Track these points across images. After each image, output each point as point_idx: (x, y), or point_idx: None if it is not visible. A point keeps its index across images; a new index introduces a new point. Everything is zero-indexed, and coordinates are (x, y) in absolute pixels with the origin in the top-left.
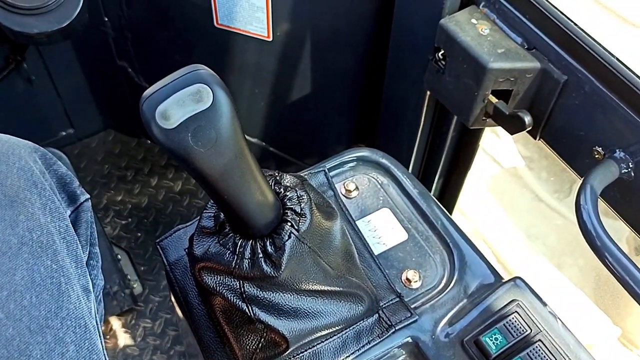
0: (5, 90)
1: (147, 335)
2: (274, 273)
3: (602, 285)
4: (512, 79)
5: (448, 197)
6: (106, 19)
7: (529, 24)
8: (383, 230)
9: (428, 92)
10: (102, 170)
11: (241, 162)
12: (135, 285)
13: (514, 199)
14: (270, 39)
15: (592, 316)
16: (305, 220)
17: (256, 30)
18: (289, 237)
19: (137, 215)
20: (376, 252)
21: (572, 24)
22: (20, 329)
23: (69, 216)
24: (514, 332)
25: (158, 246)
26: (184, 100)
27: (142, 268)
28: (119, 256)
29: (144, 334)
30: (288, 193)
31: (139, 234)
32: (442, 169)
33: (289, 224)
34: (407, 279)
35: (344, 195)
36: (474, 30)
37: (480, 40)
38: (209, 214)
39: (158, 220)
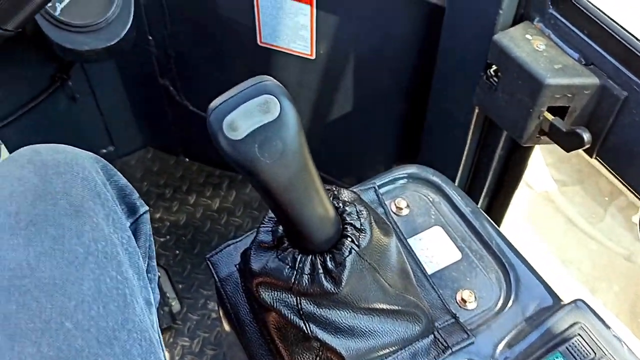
0: (50, 107)
1: (185, 354)
2: (333, 289)
3: (639, 311)
4: (569, 96)
5: (494, 215)
6: (150, 38)
7: (586, 39)
8: (435, 249)
9: (477, 108)
10: (141, 188)
11: (305, 174)
12: (173, 303)
13: (546, 223)
14: (313, 57)
15: (629, 343)
16: (365, 235)
17: (299, 48)
18: (350, 252)
19: (175, 233)
20: (429, 271)
21: (632, 38)
22: (89, 340)
23: (129, 227)
24: (578, 355)
25: (208, 261)
26: (251, 112)
27: (181, 286)
28: (158, 274)
29: (182, 353)
30: (347, 208)
31: (177, 252)
32: (489, 187)
33: (349, 239)
34: (462, 299)
35: (394, 213)
36: (529, 46)
37: (536, 56)
38: (267, 228)
39: (196, 238)
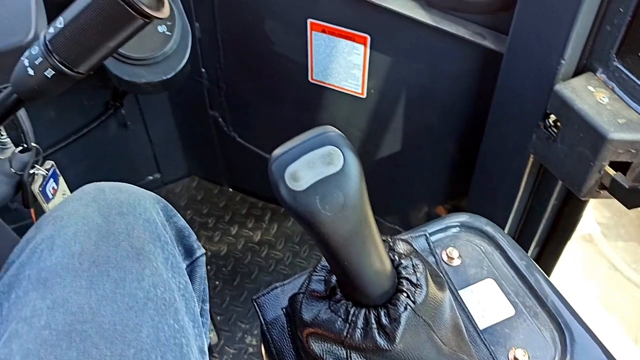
0: (101, 133)
1: None
2: (387, 346)
3: None
4: (633, 151)
5: (544, 264)
6: (203, 70)
7: None
8: (488, 303)
9: (532, 156)
10: (185, 216)
11: (365, 228)
12: (211, 335)
13: (588, 266)
14: (364, 95)
15: None
16: (421, 291)
17: (350, 86)
18: (405, 308)
19: (216, 263)
20: (481, 326)
21: None
22: None
23: (185, 269)
24: None
25: (255, 303)
26: (314, 162)
27: (219, 318)
28: None
29: None
30: (403, 261)
31: (217, 282)
32: (540, 236)
33: (405, 294)
34: (515, 358)
35: (445, 263)
36: (591, 98)
37: (599, 109)
38: (319, 277)
39: (236, 269)
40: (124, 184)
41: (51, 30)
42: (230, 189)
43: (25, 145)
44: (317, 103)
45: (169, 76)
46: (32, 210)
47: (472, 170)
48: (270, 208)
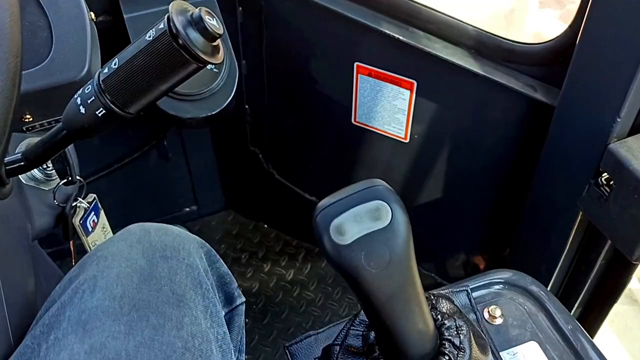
0: (142, 163)
1: None
2: None
3: None
4: None
5: (588, 325)
6: (247, 107)
7: None
8: None
9: (580, 214)
10: (219, 250)
11: (410, 287)
12: None
13: (628, 323)
14: (407, 140)
15: None
16: (464, 355)
17: (393, 131)
18: None
19: (248, 300)
20: None
21: None
22: None
23: (224, 317)
24: None
25: (287, 350)
26: (361, 216)
27: (246, 357)
28: None
29: None
30: (446, 322)
31: (247, 320)
32: (585, 297)
33: (447, 357)
34: None
35: (487, 321)
36: None
37: None
38: (357, 332)
39: (267, 307)
40: (170, 225)
41: (105, 70)
42: (266, 225)
43: (70, 178)
44: (359, 145)
45: (213, 112)
46: (71, 243)
47: (513, 221)
48: (305, 247)
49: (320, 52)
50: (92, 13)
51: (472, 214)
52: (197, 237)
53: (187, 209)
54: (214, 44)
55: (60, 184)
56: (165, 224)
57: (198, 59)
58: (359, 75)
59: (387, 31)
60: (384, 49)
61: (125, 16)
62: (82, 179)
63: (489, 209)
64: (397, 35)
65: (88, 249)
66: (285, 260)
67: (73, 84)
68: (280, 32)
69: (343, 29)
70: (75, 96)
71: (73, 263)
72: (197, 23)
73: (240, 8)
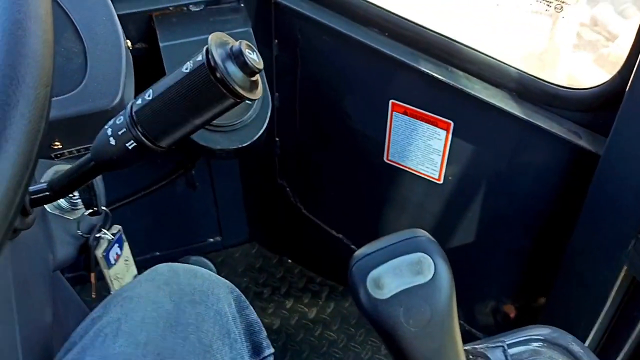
0: (168, 191)
1: None
2: None
3: None
4: None
5: None
6: (277, 139)
7: None
8: None
9: (624, 268)
10: (241, 283)
11: (450, 347)
12: None
13: None
14: (441, 181)
15: None
16: None
17: (427, 171)
18: None
19: (268, 337)
20: None
21: None
22: None
23: None
24: None
25: None
26: (401, 269)
27: None
28: None
29: None
30: None
31: None
32: (625, 355)
33: None
34: None
35: None
36: None
37: None
38: None
39: (287, 346)
40: (199, 268)
41: (139, 101)
42: (290, 260)
43: (96, 209)
44: (390, 184)
45: (244, 145)
46: (92, 274)
47: (550, 271)
48: (329, 285)
49: (355, 88)
50: (128, 41)
51: (506, 260)
52: (227, 281)
53: (211, 240)
54: (253, 79)
55: (86, 213)
56: (195, 266)
57: (236, 94)
58: (393, 112)
59: (425, 70)
60: (421, 88)
61: (161, 44)
62: (107, 210)
63: (524, 257)
64: (435, 74)
65: (109, 282)
66: (308, 298)
67: (105, 113)
68: (315, 66)
69: (380, 66)
70: (106, 127)
71: (93, 295)
72: (237, 57)
73: (276, 40)
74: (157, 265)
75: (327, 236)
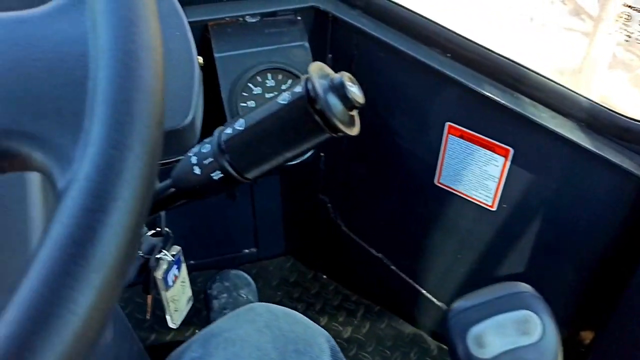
0: (207, 200)
1: None
2: None
3: None
4: None
5: None
6: (322, 154)
7: None
8: None
9: None
10: (275, 297)
11: None
12: None
13: None
14: (494, 208)
15: None
16: None
17: (480, 197)
18: None
19: None
20: None
21: None
22: None
23: None
24: None
25: None
26: (505, 328)
27: None
28: None
29: None
30: None
31: None
32: None
33: None
34: None
35: None
36: None
37: None
38: None
39: None
40: (296, 312)
41: (228, 130)
42: (325, 276)
43: (159, 229)
44: (439, 207)
45: (294, 162)
46: (149, 296)
47: (606, 307)
48: (364, 304)
49: (410, 107)
50: (200, 57)
51: (557, 294)
52: (323, 330)
53: (246, 251)
54: (352, 113)
55: (148, 234)
56: (291, 310)
57: (334, 128)
58: (449, 135)
59: (489, 94)
60: (481, 112)
61: (215, 55)
62: (170, 231)
63: (577, 291)
64: (499, 100)
65: (166, 304)
66: (343, 316)
67: (175, 132)
68: (369, 82)
69: (438, 86)
70: (190, 154)
71: (148, 316)
72: (338, 89)
73: (330, 55)
74: (253, 305)
75: (366, 255)
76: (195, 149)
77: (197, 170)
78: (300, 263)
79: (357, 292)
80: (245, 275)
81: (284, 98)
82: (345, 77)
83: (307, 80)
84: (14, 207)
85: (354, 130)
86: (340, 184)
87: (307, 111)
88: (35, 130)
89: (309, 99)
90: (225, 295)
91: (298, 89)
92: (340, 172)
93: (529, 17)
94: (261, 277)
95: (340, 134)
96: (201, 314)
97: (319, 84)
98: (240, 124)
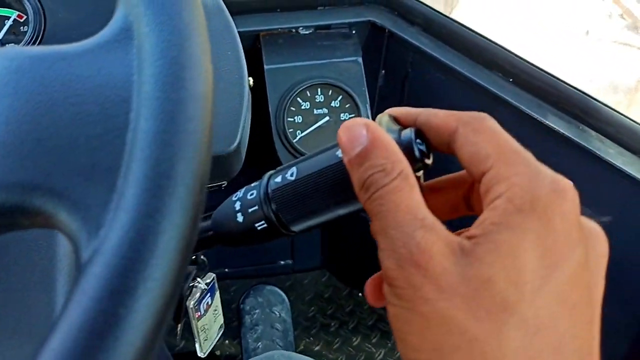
0: None
1: None
2: None
3: None
4: None
5: None
6: None
7: None
8: None
9: None
10: (307, 312)
11: None
12: None
13: None
14: None
15: None
16: None
17: None
18: None
19: None
20: None
21: None
22: None
23: None
24: None
25: None
26: None
27: None
28: None
29: None
30: None
31: None
32: None
33: None
34: None
35: None
36: None
37: None
38: None
39: None
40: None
41: (279, 179)
42: (360, 294)
43: (194, 257)
44: None
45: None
46: (178, 325)
47: None
48: None
49: None
50: (250, 79)
51: (603, 344)
52: None
53: (282, 262)
54: (418, 174)
55: None
56: (307, 357)
57: None
58: None
59: (552, 125)
60: (543, 143)
61: (265, 67)
62: (205, 259)
63: (630, 341)
64: (563, 131)
65: (196, 333)
66: (377, 337)
67: (220, 157)
68: (422, 103)
69: (497, 112)
70: (234, 198)
71: (177, 342)
72: (405, 146)
73: (384, 71)
74: (271, 353)
75: None
76: (240, 194)
77: (240, 218)
78: (336, 278)
79: None
80: (280, 291)
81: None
82: (414, 132)
83: None
84: (40, 265)
85: None
86: None
87: None
88: (63, 186)
89: None
90: (258, 311)
91: None
92: None
93: (585, 31)
94: (295, 290)
95: None
96: (232, 324)
97: None
98: (291, 174)
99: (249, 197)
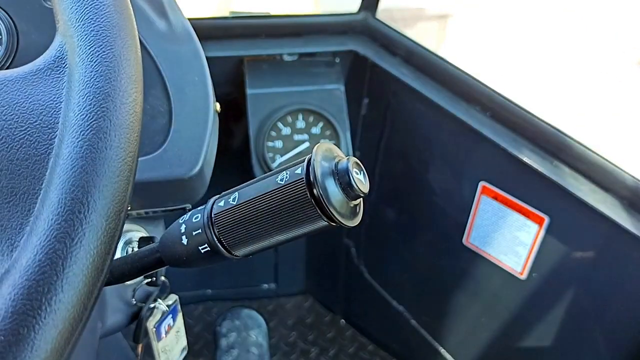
0: None
1: None
2: None
3: None
4: None
5: None
6: None
7: None
8: None
9: None
10: (288, 337)
11: None
12: None
13: None
14: (523, 276)
15: None
16: None
17: (509, 263)
18: None
19: None
20: None
21: None
22: None
23: None
24: None
25: None
26: None
27: None
28: None
29: None
30: None
31: None
32: None
33: None
34: None
35: None
36: None
37: None
38: None
39: None
40: None
41: (221, 203)
42: (343, 321)
43: (154, 279)
44: (465, 268)
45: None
46: (139, 346)
47: None
48: (380, 355)
49: (443, 162)
50: (217, 104)
51: None
52: None
53: (265, 286)
54: (355, 203)
55: (143, 283)
56: None
57: (330, 218)
58: (482, 195)
59: (527, 160)
60: (518, 176)
61: (247, 92)
62: (167, 281)
63: None
64: (538, 167)
65: (157, 354)
66: None
67: (181, 181)
68: (403, 132)
69: (474, 145)
70: (180, 221)
71: None
72: (341, 175)
73: (367, 100)
74: None
75: (386, 305)
76: (186, 217)
77: (184, 241)
78: (319, 304)
79: (374, 341)
80: (258, 315)
81: (282, 178)
82: (352, 162)
83: (309, 162)
84: None
85: (354, 222)
86: (366, 230)
87: (304, 195)
88: None
89: (307, 181)
90: (234, 334)
91: (298, 170)
92: (367, 218)
93: (621, 50)
94: (277, 315)
95: (337, 225)
96: (211, 346)
97: (320, 167)
98: (234, 198)
99: (194, 220)
